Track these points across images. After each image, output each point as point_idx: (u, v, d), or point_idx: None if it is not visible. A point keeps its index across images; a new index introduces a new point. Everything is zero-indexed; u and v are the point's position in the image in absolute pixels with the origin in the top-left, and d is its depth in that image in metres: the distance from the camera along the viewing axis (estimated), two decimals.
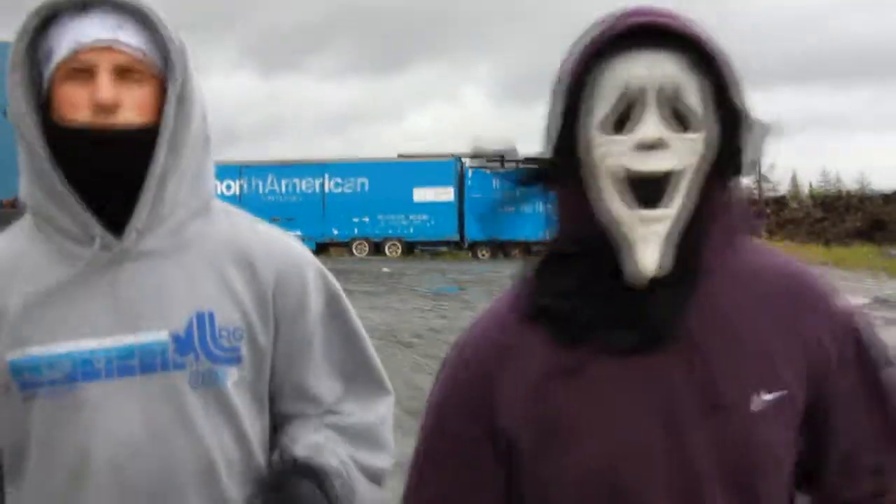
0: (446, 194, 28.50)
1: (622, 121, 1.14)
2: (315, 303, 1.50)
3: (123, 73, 1.34)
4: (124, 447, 1.33)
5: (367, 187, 28.91)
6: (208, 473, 1.38)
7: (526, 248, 25.34)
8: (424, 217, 28.65)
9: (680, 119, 1.13)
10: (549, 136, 1.20)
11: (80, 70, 1.33)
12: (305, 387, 1.49)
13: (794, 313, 1.21)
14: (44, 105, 1.36)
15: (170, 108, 1.36)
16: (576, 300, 1.16)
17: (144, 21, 1.35)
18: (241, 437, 1.42)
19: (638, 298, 1.14)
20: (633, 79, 1.12)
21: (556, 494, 1.17)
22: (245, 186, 28.52)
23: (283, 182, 29.04)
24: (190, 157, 1.41)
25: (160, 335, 1.36)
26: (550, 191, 1.23)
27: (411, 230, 28.89)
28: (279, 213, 27.47)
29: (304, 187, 28.91)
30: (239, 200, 27.32)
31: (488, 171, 28.89)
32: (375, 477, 1.51)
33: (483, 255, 27.81)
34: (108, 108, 1.32)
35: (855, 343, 1.24)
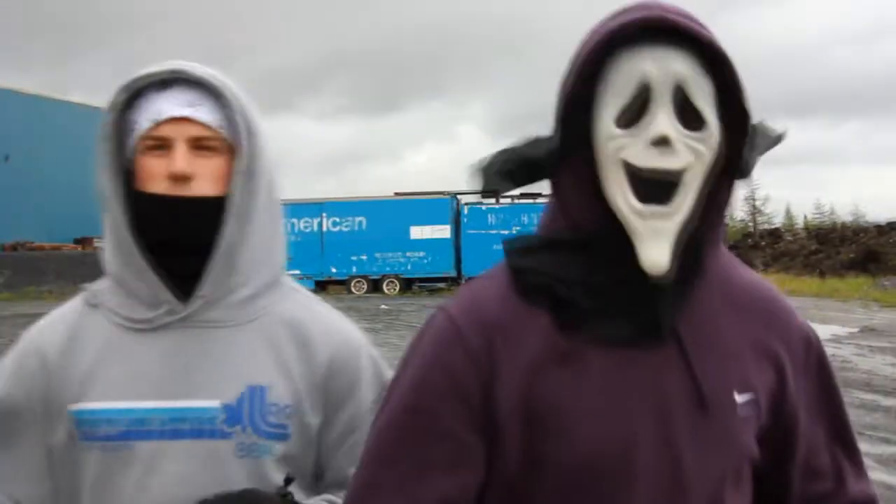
0: (443, 231, 28.80)
1: (635, 115, 1.14)
2: (366, 391, 1.52)
3: (199, 146, 1.41)
4: None
5: (364, 226, 29.19)
6: None
7: None
8: (422, 254, 28.85)
9: (689, 117, 1.13)
10: (562, 122, 1.19)
11: (159, 143, 1.40)
12: (344, 475, 1.46)
13: (764, 325, 1.25)
14: (127, 175, 1.44)
15: (237, 181, 1.41)
16: (579, 288, 1.17)
17: (219, 97, 1.42)
18: None
19: (639, 293, 1.15)
20: (650, 73, 1.12)
21: (543, 480, 1.17)
22: None
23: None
24: (258, 229, 1.46)
25: (212, 403, 1.40)
26: (557, 176, 1.22)
27: (409, 267, 29.09)
28: None
29: (301, 227, 29.12)
30: None
31: (484, 208, 29.22)
32: None
33: None
34: (183, 179, 1.39)
35: (816, 356, 1.29)
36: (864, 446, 1.38)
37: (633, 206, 1.13)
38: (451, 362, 1.19)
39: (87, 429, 1.39)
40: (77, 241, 31.71)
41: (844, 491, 1.31)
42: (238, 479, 1.39)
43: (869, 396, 9.55)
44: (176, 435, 1.39)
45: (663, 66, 1.12)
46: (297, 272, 28.38)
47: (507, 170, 1.22)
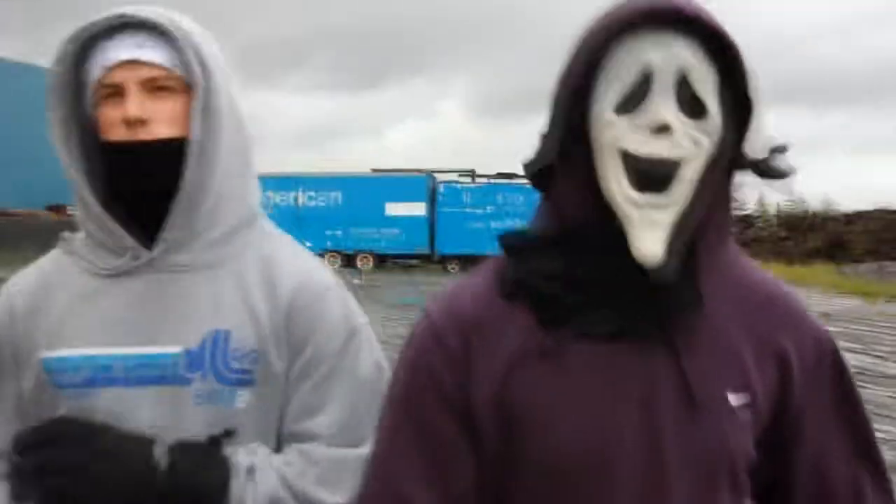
0: (418, 209, 28.95)
1: (636, 103, 1.11)
2: (329, 334, 1.46)
3: (153, 88, 1.38)
4: None
5: (339, 201, 29.38)
6: None
7: None
8: (396, 231, 29.08)
9: (693, 107, 1.11)
10: (561, 115, 1.16)
11: (112, 91, 1.38)
12: (303, 419, 1.44)
13: (770, 325, 1.20)
14: (92, 128, 1.42)
15: (195, 120, 1.38)
16: (560, 282, 1.14)
17: (167, 38, 1.39)
18: None
19: (630, 286, 1.12)
20: (652, 61, 1.10)
21: (523, 479, 1.16)
22: None
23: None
24: (224, 171, 1.42)
25: (175, 349, 1.38)
26: (552, 173, 1.19)
27: (383, 243, 29.31)
28: None
29: (278, 200, 29.23)
30: None
31: (459, 187, 29.45)
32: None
33: (453, 269, 28.16)
34: (138, 123, 1.36)
35: (831, 362, 1.24)
36: None
37: (628, 195, 1.10)
38: (431, 365, 1.19)
39: (56, 376, 1.39)
40: (49, 208, 31.57)
41: None
42: (196, 426, 1.36)
43: None
44: (140, 381, 1.38)
45: (666, 54, 1.10)
46: None
47: (533, 171, 1.20)
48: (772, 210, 43.25)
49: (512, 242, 1.22)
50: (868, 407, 1.27)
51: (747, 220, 42.37)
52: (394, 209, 28.99)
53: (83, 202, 1.42)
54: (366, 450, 1.35)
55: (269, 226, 1.55)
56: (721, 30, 1.11)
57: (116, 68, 1.38)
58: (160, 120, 1.38)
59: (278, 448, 1.44)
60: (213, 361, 1.39)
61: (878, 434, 1.29)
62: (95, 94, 1.40)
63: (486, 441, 1.17)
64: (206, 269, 1.43)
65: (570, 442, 1.13)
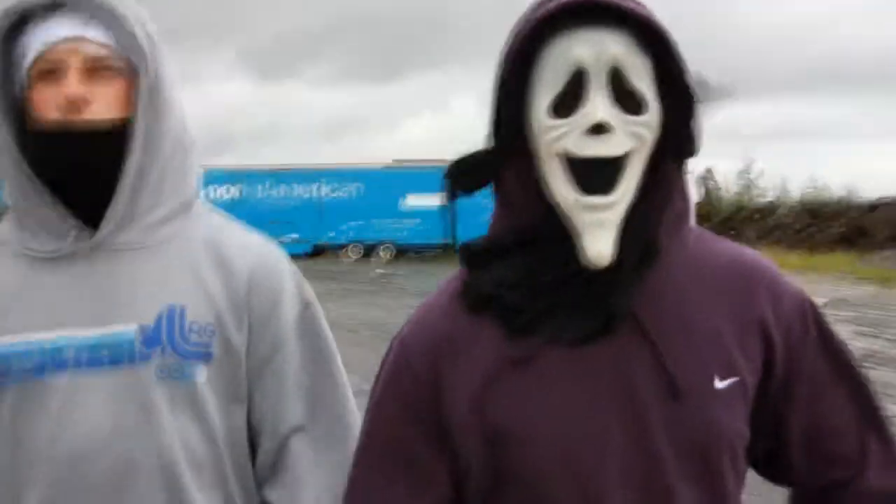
0: (437, 200, 28.97)
1: (570, 103, 1.09)
2: (288, 307, 1.48)
3: (94, 70, 1.33)
4: (86, 440, 1.32)
5: (360, 193, 29.64)
6: (169, 470, 1.35)
7: None
8: (416, 221, 29.28)
9: (628, 101, 1.09)
10: (497, 120, 1.15)
11: (51, 70, 1.32)
12: (271, 401, 1.46)
13: (745, 298, 1.18)
14: (23, 108, 1.35)
15: (140, 102, 1.34)
16: (523, 290, 1.13)
17: (112, 18, 1.34)
18: (209, 436, 1.39)
19: (588, 285, 1.11)
20: (582, 58, 1.08)
21: (512, 492, 1.14)
22: (242, 191, 29.18)
23: (281, 187, 29.76)
24: (168, 154, 1.39)
25: (129, 327, 1.35)
26: (496, 178, 1.19)
27: (403, 234, 29.56)
28: (276, 217, 28.22)
29: (300, 192, 29.62)
30: (236, 205, 28.03)
31: None
32: None
33: None
34: (77, 104, 1.31)
35: (814, 323, 1.22)
36: None
37: (574, 200, 1.09)
38: (401, 390, 1.20)
39: (1, 367, 1.33)
40: None
41: (866, 480, 1.21)
42: (160, 404, 1.34)
43: None
44: (94, 363, 1.33)
45: (596, 49, 1.08)
46: (296, 236, 28.88)
47: (459, 175, 1.21)
48: (793, 197, 43.02)
49: (472, 252, 1.20)
50: (877, 388, 1.25)
51: (768, 208, 42.15)
52: (413, 200, 29.15)
53: (18, 184, 1.36)
54: (337, 450, 1.44)
55: (207, 204, 1.53)
56: (649, 18, 1.09)
57: (57, 46, 1.32)
58: (101, 102, 1.33)
59: (242, 419, 1.45)
60: (170, 336, 1.36)
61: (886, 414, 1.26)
62: (30, 73, 1.33)
63: (468, 456, 1.15)
64: (151, 247, 1.40)
65: (552, 451, 1.11)
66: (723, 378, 1.13)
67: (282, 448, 1.47)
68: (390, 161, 31.42)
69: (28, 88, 1.35)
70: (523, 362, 1.13)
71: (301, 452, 1.47)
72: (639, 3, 1.10)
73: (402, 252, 29.80)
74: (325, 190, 29.91)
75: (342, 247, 29.71)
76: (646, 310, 1.13)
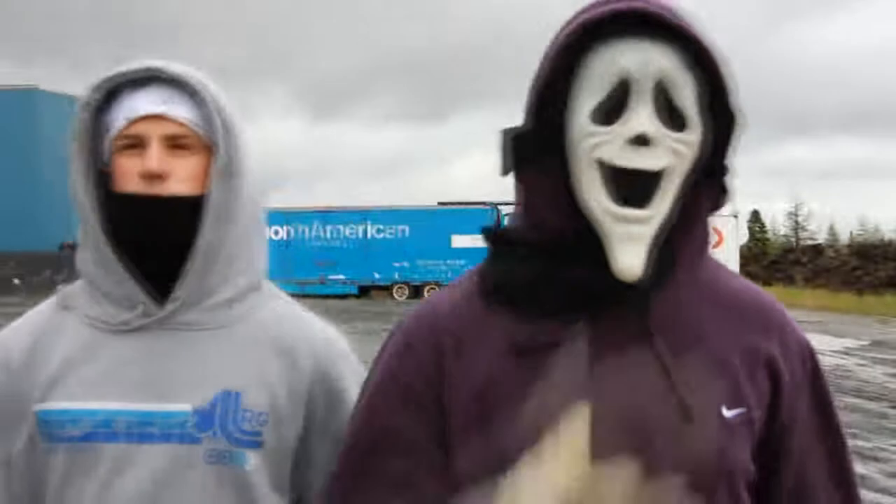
0: (483, 241, 29.49)
1: (613, 112, 1.07)
2: (352, 397, 1.42)
3: (174, 144, 1.37)
4: None
5: (407, 233, 30.12)
6: None
7: None
8: (462, 262, 29.46)
9: (671, 116, 1.07)
10: (532, 118, 1.13)
11: (134, 142, 1.37)
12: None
13: (758, 333, 1.17)
14: (106, 176, 1.40)
15: (214, 179, 1.38)
16: (540, 289, 1.11)
17: (195, 95, 1.39)
18: None
19: (607, 294, 1.09)
20: (629, 68, 1.05)
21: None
22: (292, 232, 29.72)
23: (328, 228, 30.31)
24: (240, 233, 1.42)
25: (183, 407, 1.36)
26: (526, 173, 1.15)
27: (450, 274, 29.54)
28: (323, 257, 28.93)
29: (347, 233, 30.15)
30: (286, 245, 28.69)
31: None
32: None
33: None
34: (157, 178, 1.35)
35: (813, 373, 1.21)
36: None
37: (607, 209, 1.07)
38: (403, 375, 1.18)
39: (52, 430, 1.36)
40: None
41: None
42: (208, 485, 1.35)
43: (855, 400, 10.10)
44: (143, 438, 1.35)
45: (645, 61, 1.06)
46: (342, 277, 29.45)
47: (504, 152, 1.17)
48: (843, 238, 42.66)
49: (495, 243, 1.20)
50: None
51: (817, 249, 41.75)
52: (459, 241, 29.50)
53: (96, 250, 1.40)
54: None
55: (272, 287, 1.54)
56: (700, 36, 1.07)
57: (140, 121, 1.38)
58: (178, 176, 1.38)
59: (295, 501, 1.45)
60: (223, 421, 1.37)
61: None
62: (114, 143, 1.39)
63: (471, 447, 1.13)
64: (214, 329, 1.42)
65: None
66: (730, 407, 1.12)
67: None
68: (436, 203, 31.90)
69: (111, 159, 1.40)
70: (529, 359, 1.11)
71: None
72: (691, 20, 1.08)
73: None
74: (371, 230, 30.47)
75: (389, 287, 30.17)
76: (659, 330, 1.11)
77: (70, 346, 1.40)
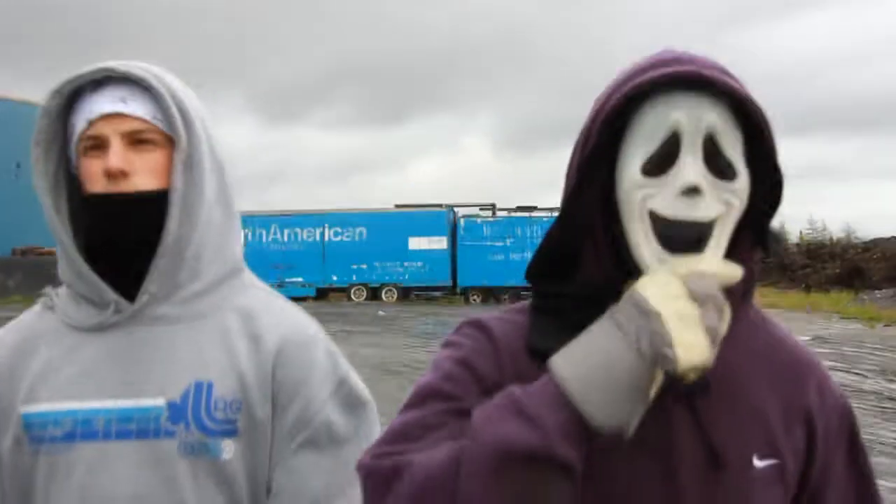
0: (440, 243, 29.68)
1: (662, 164, 1.08)
2: (319, 385, 1.46)
3: (136, 140, 1.38)
4: None
5: (364, 236, 30.14)
6: None
7: (515, 293, 26.60)
8: (419, 264, 29.74)
9: (720, 167, 1.08)
10: (581, 176, 1.13)
11: (96, 143, 1.38)
12: (294, 480, 1.43)
13: (796, 385, 1.18)
14: (75, 179, 1.42)
15: (176, 173, 1.38)
16: None
17: (151, 90, 1.39)
18: None
19: None
20: (681, 122, 1.07)
21: None
22: (249, 236, 29.59)
23: (286, 231, 30.31)
24: (206, 223, 1.42)
25: (157, 401, 1.37)
26: (577, 233, 1.15)
27: (407, 276, 30.03)
28: (281, 260, 28.94)
29: (305, 236, 30.18)
30: (244, 249, 28.53)
31: (479, 221, 30.19)
32: None
33: (475, 300, 28.98)
34: (120, 175, 1.35)
35: (850, 429, 1.22)
36: None
37: (660, 255, 1.07)
38: (472, 349, 1.17)
39: (35, 431, 1.38)
40: None
41: None
42: (184, 478, 1.36)
43: None
44: (123, 435, 1.36)
45: (695, 115, 1.08)
46: (300, 279, 29.48)
47: (543, 267, 1.17)
48: (793, 238, 43.40)
49: (540, 294, 1.19)
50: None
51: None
52: (416, 243, 29.67)
53: (66, 255, 1.42)
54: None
55: (250, 277, 1.55)
56: (747, 95, 1.09)
57: (99, 121, 1.38)
58: (141, 172, 1.38)
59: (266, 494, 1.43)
60: (195, 412, 1.38)
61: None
62: (78, 147, 1.40)
63: None
64: (186, 321, 1.43)
65: (586, 488, 1.04)
66: (762, 458, 1.12)
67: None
68: (392, 206, 32.11)
69: (77, 162, 1.41)
70: None
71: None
72: (736, 79, 1.11)
73: (406, 294, 30.37)
74: (329, 233, 30.53)
75: (346, 289, 30.30)
76: (700, 380, 1.07)
77: (52, 348, 1.43)
